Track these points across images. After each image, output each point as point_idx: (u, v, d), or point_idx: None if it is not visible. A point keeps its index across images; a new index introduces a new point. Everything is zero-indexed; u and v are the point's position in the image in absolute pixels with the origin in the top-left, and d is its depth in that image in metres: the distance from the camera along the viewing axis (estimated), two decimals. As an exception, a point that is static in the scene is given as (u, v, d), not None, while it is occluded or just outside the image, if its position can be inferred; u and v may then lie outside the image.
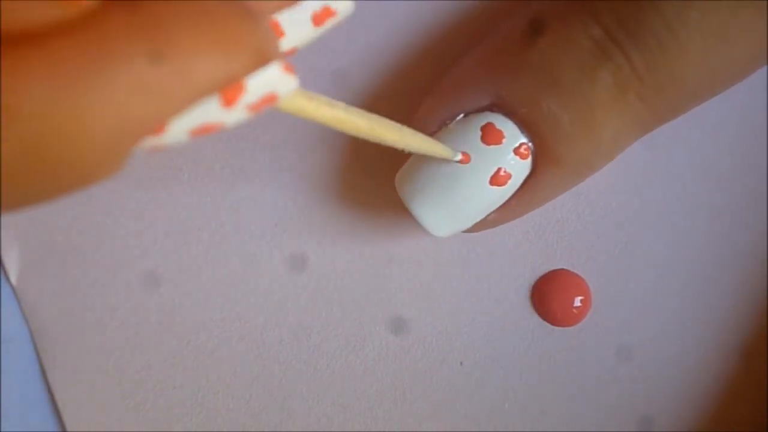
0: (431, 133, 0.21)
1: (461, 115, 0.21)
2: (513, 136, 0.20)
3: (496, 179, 0.20)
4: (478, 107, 0.20)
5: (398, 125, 0.18)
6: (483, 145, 0.20)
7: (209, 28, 0.12)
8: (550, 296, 0.23)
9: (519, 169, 0.20)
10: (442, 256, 0.23)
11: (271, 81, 0.13)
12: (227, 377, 0.23)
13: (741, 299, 0.23)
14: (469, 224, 0.21)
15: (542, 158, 0.20)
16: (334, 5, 0.16)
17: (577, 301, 0.23)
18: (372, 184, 0.23)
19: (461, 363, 0.23)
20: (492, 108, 0.20)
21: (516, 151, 0.20)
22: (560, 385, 0.23)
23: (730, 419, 0.23)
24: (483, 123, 0.20)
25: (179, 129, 0.13)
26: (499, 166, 0.20)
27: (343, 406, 0.23)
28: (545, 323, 0.23)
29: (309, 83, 0.15)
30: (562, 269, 0.23)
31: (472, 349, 0.23)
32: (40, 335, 0.23)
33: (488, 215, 0.21)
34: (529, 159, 0.20)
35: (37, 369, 0.23)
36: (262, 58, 0.13)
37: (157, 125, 0.12)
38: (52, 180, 0.12)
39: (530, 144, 0.20)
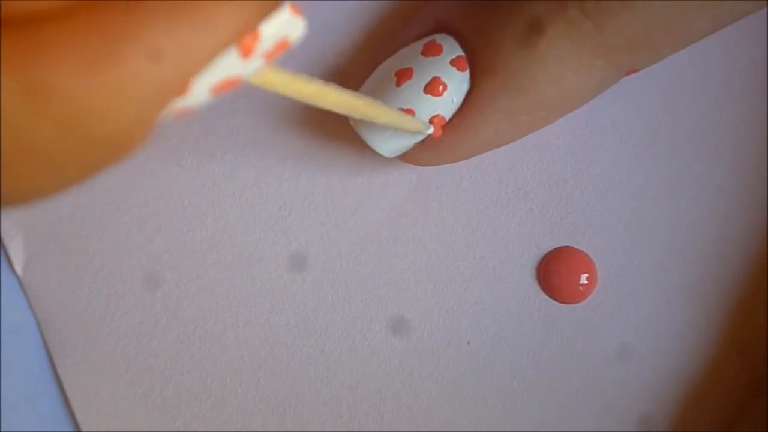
0: (381, 61, 0.21)
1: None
2: (451, 49, 0.20)
3: (431, 87, 0.20)
4: (424, 32, 0.21)
5: (376, 102, 0.18)
6: (421, 57, 0.20)
7: None
8: (555, 274, 0.23)
9: (456, 80, 0.20)
10: (446, 235, 0.23)
11: (283, 25, 0.13)
12: (235, 362, 0.23)
13: (741, 297, 0.23)
14: (410, 142, 0.21)
15: (478, 70, 0.20)
16: None
17: (583, 278, 0.23)
18: (382, 161, 0.23)
19: (468, 342, 0.23)
20: (437, 31, 0.21)
21: (453, 62, 0.20)
22: (564, 370, 0.23)
23: (730, 419, 0.23)
24: (427, 42, 0.21)
25: (202, 87, 0.13)
26: (435, 75, 0.20)
27: (351, 388, 0.23)
28: (551, 301, 0.23)
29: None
30: (567, 246, 0.23)
31: (479, 328, 0.23)
32: (46, 325, 0.23)
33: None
34: (467, 72, 0.20)
35: (45, 358, 0.24)
36: (270, 3, 0.13)
37: (182, 86, 0.12)
38: (89, 158, 0.12)
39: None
